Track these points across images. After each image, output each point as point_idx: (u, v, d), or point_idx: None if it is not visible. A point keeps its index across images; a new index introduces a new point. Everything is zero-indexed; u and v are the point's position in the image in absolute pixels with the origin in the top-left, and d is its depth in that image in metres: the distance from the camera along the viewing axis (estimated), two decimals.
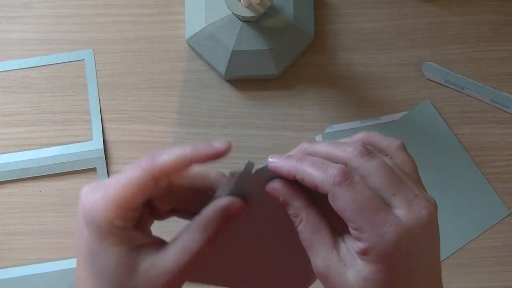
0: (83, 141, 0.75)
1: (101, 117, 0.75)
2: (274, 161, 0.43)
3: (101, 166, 0.74)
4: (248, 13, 0.71)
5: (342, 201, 0.39)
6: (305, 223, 0.42)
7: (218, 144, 0.42)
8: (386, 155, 0.45)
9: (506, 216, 0.73)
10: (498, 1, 0.78)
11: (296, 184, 0.43)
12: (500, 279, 0.72)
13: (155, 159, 0.41)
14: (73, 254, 0.73)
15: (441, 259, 0.72)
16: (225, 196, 0.44)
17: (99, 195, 0.41)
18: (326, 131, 0.75)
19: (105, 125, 0.75)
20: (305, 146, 0.44)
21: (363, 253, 0.39)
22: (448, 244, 0.72)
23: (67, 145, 0.75)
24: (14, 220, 0.73)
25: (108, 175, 0.74)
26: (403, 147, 0.46)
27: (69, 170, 0.74)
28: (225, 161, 0.76)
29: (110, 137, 0.75)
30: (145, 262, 0.42)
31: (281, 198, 0.43)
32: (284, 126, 0.75)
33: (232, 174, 0.45)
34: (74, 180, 0.74)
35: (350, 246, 0.40)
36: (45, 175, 0.74)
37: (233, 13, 0.71)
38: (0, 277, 0.71)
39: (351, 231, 0.40)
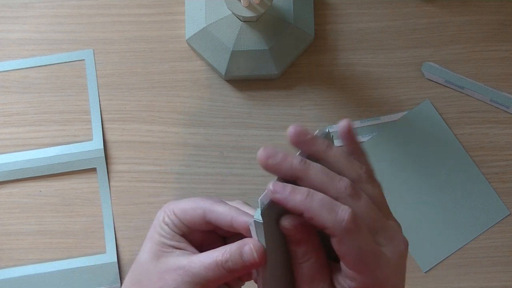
0: (83, 141, 0.75)
1: (101, 117, 0.75)
2: (279, 192, 0.43)
3: (101, 166, 0.74)
4: (248, 13, 0.71)
5: (348, 247, 0.41)
6: (313, 262, 0.44)
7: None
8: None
9: (506, 216, 0.73)
10: (498, 1, 0.78)
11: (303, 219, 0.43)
12: (500, 279, 0.72)
13: (213, 206, 0.47)
14: (72, 254, 0.73)
15: (441, 259, 0.72)
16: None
17: (174, 202, 0.49)
18: (326, 131, 0.75)
19: (105, 125, 0.75)
20: (298, 165, 0.43)
21: None
22: (448, 244, 0.72)
23: (67, 145, 0.75)
24: (14, 220, 0.73)
25: (108, 175, 0.74)
26: (373, 176, 0.46)
27: (69, 170, 0.74)
28: (225, 162, 0.76)
29: (110, 137, 0.75)
30: (171, 258, 0.47)
31: (297, 236, 0.44)
32: (284, 126, 0.75)
33: (250, 224, 0.45)
34: (74, 180, 0.74)
35: (344, 281, 0.43)
36: (45, 175, 0.74)
37: (233, 13, 0.71)
38: (0, 277, 0.71)
39: (346, 269, 0.42)
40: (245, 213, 0.46)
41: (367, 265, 0.42)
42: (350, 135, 0.47)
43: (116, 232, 0.73)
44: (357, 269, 0.42)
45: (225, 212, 0.46)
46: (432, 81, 0.76)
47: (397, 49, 0.77)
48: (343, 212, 0.41)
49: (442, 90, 0.76)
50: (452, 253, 0.72)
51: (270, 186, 0.43)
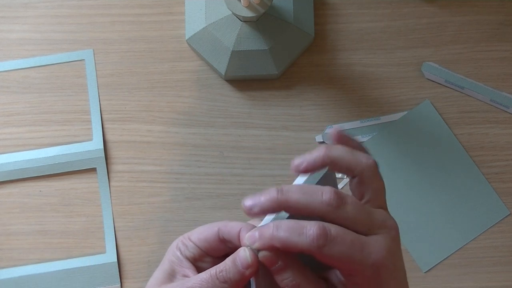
0: (83, 141, 0.75)
1: (101, 117, 0.75)
2: (254, 239, 0.44)
3: (101, 166, 0.74)
4: (248, 13, 0.71)
5: (331, 257, 0.43)
6: (307, 285, 0.44)
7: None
8: (354, 177, 0.47)
9: (506, 216, 0.73)
10: (498, 1, 0.78)
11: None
12: (500, 279, 0.72)
13: (227, 222, 0.48)
14: (72, 254, 0.73)
15: (441, 259, 0.72)
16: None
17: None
18: (326, 131, 0.75)
19: (105, 125, 0.75)
20: (277, 197, 0.45)
21: (357, 284, 0.44)
22: (448, 244, 0.72)
23: (67, 145, 0.75)
24: (14, 220, 0.73)
25: (108, 175, 0.74)
26: (377, 170, 0.48)
27: (69, 170, 0.74)
28: (225, 162, 0.76)
29: (110, 137, 0.75)
30: (171, 284, 0.48)
31: (277, 265, 0.44)
32: (284, 126, 0.75)
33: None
34: (74, 180, 0.74)
35: (345, 279, 0.45)
36: (45, 175, 0.74)
37: (233, 13, 0.71)
38: (0, 277, 0.71)
39: (343, 272, 0.45)
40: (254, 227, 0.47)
41: (356, 260, 0.43)
42: (343, 138, 0.48)
43: (116, 232, 0.73)
44: (349, 268, 0.43)
45: (237, 225, 0.47)
46: (432, 81, 0.76)
47: (397, 49, 0.77)
48: (310, 231, 0.43)
49: (442, 90, 0.76)
50: (452, 253, 0.72)
51: (246, 240, 0.45)
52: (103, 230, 0.73)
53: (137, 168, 0.74)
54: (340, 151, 0.46)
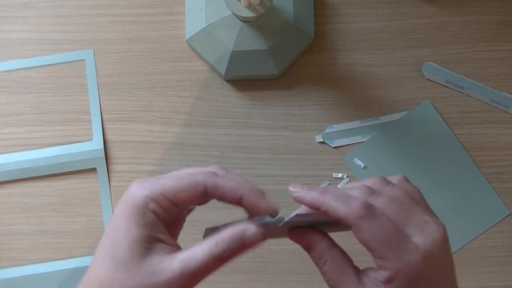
0: (83, 141, 0.75)
1: (101, 117, 0.76)
2: (297, 191, 0.45)
3: (101, 166, 0.74)
4: (248, 13, 0.71)
5: (367, 233, 0.42)
6: (330, 263, 0.44)
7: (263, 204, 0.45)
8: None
9: (506, 216, 0.73)
10: (498, 1, 0.78)
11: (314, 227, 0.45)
12: (500, 279, 0.72)
13: (216, 179, 0.44)
14: (72, 254, 0.73)
15: None
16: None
17: (150, 181, 0.44)
18: (326, 131, 0.75)
19: (105, 125, 0.75)
20: (318, 196, 0.44)
21: (389, 281, 0.42)
22: None
23: (67, 145, 0.75)
24: (14, 220, 0.73)
25: (108, 175, 0.74)
26: (406, 179, 0.48)
27: (69, 170, 0.74)
28: (225, 162, 0.76)
29: (110, 137, 0.75)
30: (154, 256, 0.42)
31: (305, 242, 0.45)
32: (284, 126, 0.75)
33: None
34: (74, 180, 0.74)
35: (374, 278, 0.43)
36: (45, 175, 0.74)
37: (233, 13, 0.71)
38: (0, 277, 0.71)
39: (376, 260, 0.42)
40: (257, 193, 0.44)
41: (392, 248, 0.41)
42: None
43: None
44: (382, 252, 0.42)
45: (233, 186, 0.44)
46: (432, 81, 0.76)
47: (397, 49, 0.77)
48: (356, 201, 0.42)
49: (442, 90, 0.76)
50: (452, 253, 0.72)
51: (291, 187, 0.45)
52: (103, 230, 0.73)
53: (137, 168, 0.74)
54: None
